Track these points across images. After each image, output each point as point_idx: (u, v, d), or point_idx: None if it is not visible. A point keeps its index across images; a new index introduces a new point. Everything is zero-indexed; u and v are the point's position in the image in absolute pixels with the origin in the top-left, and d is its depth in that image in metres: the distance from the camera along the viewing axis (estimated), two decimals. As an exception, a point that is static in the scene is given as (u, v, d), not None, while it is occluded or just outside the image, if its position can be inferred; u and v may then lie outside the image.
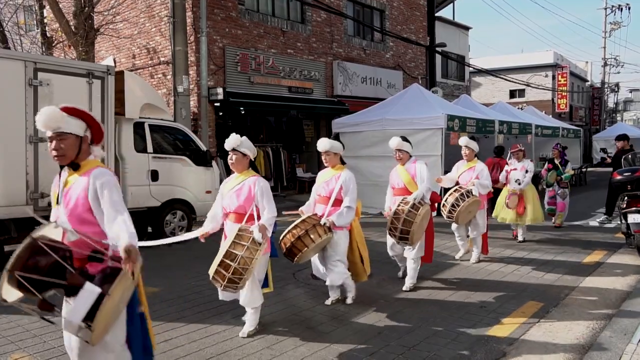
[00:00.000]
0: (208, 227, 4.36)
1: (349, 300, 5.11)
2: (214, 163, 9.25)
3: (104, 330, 2.55)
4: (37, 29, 13.53)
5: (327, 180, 5.02)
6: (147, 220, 8.27)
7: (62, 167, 2.85)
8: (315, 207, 5.07)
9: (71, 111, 2.78)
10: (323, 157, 5.09)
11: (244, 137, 4.29)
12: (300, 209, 5.12)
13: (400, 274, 6.06)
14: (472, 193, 6.38)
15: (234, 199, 4.21)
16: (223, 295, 4.31)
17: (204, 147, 9.23)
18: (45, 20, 13.61)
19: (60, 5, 11.81)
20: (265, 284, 4.42)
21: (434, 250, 5.92)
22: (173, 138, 8.94)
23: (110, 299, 2.41)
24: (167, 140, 8.81)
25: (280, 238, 4.76)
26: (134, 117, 8.10)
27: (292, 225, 4.72)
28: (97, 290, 2.41)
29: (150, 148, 8.30)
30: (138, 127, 8.21)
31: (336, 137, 5.37)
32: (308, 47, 16.06)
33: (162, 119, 8.73)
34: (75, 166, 2.81)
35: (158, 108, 8.75)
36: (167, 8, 12.84)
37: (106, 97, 7.59)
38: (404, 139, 5.65)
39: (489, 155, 10.30)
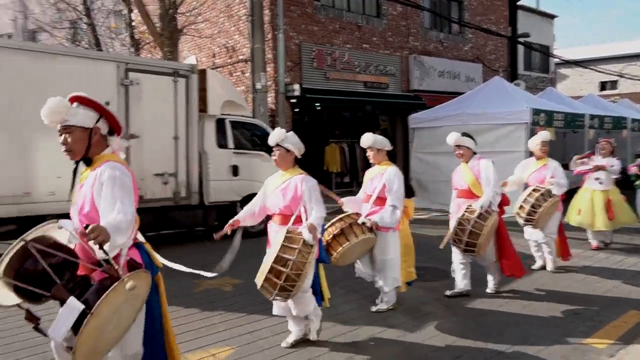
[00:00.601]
0: (241, 216, 3.98)
1: (382, 307, 4.73)
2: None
3: (94, 353, 2.21)
4: (126, 32, 14.31)
5: (372, 178, 4.76)
6: (228, 215, 8.48)
7: (76, 162, 2.59)
8: (362, 206, 4.77)
9: (80, 100, 2.54)
10: (367, 154, 4.83)
11: (291, 132, 4.00)
12: (342, 199, 4.77)
13: (461, 286, 5.18)
14: (552, 193, 5.71)
15: (279, 199, 3.85)
16: (278, 309, 4.01)
17: (281, 143, 9.34)
18: (133, 24, 14.36)
19: (147, 9, 12.42)
20: (319, 300, 3.96)
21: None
22: (252, 134, 9.12)
23: (94, 317, 2.06)
24: (247, 136, 9.00)
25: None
26: (215, 114, 8.34)
27: (329, 223, 4.46)
28: (79, 306, 2.12)
29: (231, 144, 8.52)
30: (219, 123, 8.45)
31: (384, 133, 5.02)
32: (384, 41, 15.83)
33: (241, 116, 8.93)
34: (87, 161, 2.57)
35: (238, 105, 8.97)
36: (245, 7, 13.13)
37: (190, 95, 7.89)
38: (464, 134, 5.17)
39: (576, 151, 9.63)
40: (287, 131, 4.07)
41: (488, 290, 5.29)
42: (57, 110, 2.45)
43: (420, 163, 12.12)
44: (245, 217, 4.00)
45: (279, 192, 3.86)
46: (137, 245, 2.66)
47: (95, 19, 15.17)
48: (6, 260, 2.29)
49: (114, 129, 2.65)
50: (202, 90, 8.19)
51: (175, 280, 5.80)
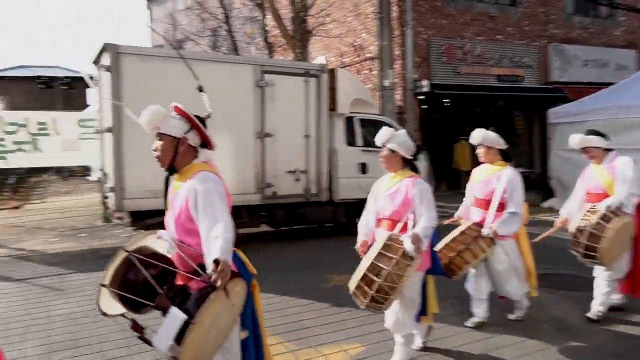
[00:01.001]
0: (362, 237, 3.70)
1: (516, 315, 4.44)
2: (421, 157, 9.14)
3: (198, 359, 2.24)
4: (261, 36, 15.13)
5: (486, 180, 4.24)
6: (357, 212, 8.56)
7: (168, 171, 2.60)
8: (471, 211, 4.35)
9: (177, 110, 2.57)
10: (477, 151, 4.37)
11: (401, 132, 3.71)
12: (457, 215, 4.44)
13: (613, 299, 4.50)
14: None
15: (388, 203, 3.58)
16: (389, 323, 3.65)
17: (410, 141, 9.20)
18: (267, 28, 15.12)
19: (280, 13, 13.00)
20: (422, 312, 3.66)
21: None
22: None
23: (198, 326, 2.12)
24: (375, 134, 8.93)
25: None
26: (345, 113, 8.45)
27: (450, 238, 4.10)
28: (182, 317, 2.16)
29: (360, 142, 8.57)
30: (349, 121, 8.54)
31: (497, 129, 4.42)
32: (519, 31, 14.81)
33: (370, 114, 8.93)
34: (172, 171, 2.57)
35: (366, 103, 8.99)
36: (373, 5, 13.11)
37: (321, 94, 8.08)
38: (591, 132, 4.44)
39: None
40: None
41: (589, 315, 4.44)
42: (154, 118, 2.51)
43: (561, 162, 11.13)
44: (369, 234, 3.70)
45: (387, 197, 3.60)
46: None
47: (233, 26, 16.27)
48: (112, 271, 2.38)
49: (206, 143, 2.62)
50: (332, 89, 8.35)
51: (309, 276, 6.02)
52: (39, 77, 24.68)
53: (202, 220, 2.36)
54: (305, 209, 8.18)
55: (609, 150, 4.38)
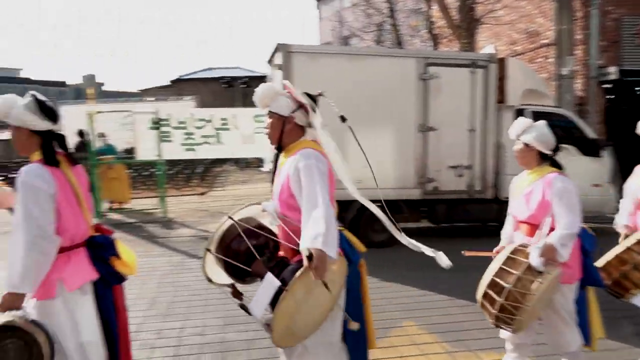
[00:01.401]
0: (503, 242, 3.35)
1: None
2: (604, 153, 8.13)
3: (291, 334, 2.23)
4: (425, 28, 14.85)
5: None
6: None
7: (277, 149, 2.61)
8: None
9: (286, 89, 2.56)
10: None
11: (539, 123, 3.13)
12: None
13: None
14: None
15: (523, 205, 3.11)
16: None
17: (591, 135, 8.23)
18: (432, 19, 14.78)
19: (445, 2, 12.60)
20: (584, 338, 3.04)
21: None
22: (555, 125, 8.26)
23: (289, 294, 2.11)
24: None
25: (601, 264, 3.33)
26: (514, 104, 7.88)
27: (622, 247, 3.32)
28: (276, 283, 2.17)
29: (530, 136, 7.93)
30: (519, 114, 7.93)
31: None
32: None
33: (544, 105, 8.20)
34: (279, 148, 2.59)
35: (540, 93, 8.26)
36: (551, -14, 11.98)
37: (488, 86, 7.66)
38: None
39: None
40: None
41: None
42: (264, 95, 2.53)
43: None
44: (508, 238, 3.32)
45: (522, 197, 3.12)
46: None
47: (398, 19, 16.23)
48: (217, 237, 2.49)
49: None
50: (501, 79, 7.84)
51: (474, 275, 5.77)
52: (222, 78, 27.56)
53: (303, 196, 2.33)
54: (468, 205, 7.84)
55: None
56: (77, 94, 61.96)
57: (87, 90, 14.00)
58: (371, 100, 7.26)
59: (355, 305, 2.54)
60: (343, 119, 2.72)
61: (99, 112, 10.70)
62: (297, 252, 2.27)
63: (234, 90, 26.67)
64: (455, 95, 7.58)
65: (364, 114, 7.21)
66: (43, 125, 2.41)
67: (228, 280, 2.53)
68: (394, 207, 7.87)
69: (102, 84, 57.23)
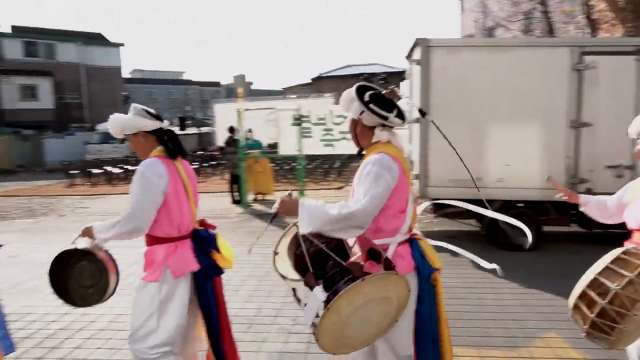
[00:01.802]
0: (590, 198, 3.07)
1: None
2: None
3: (340, 344, 2.18)
4: (582, 13, 13.50)
5: None
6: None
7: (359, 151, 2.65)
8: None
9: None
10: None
11: None
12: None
13: None
14: None
15: (637, 211, 2.71)
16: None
17: None
18: (590, 3, 13.38)
19: (608, -17, 11.31)
20: None
21: None
22: None
23: (332, 312, 2.04)
24: None
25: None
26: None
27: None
28: (322, 298, 2.13)
29: None
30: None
31: None
32: None
33: None
34: (361, 150, 2.61)
35: None
36: None
37: (658, 74, 6.74)
38: None
39: None
40: None
41: None
42: (342, 102, 2.58)
43: None
44: (593, 203, 3.03)
45: (638, 203, 2.72)
46: (410, 240, 2.47)
47: (549, 6, 14.97)
48: (287, 239, 2.54)
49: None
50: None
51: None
52: (360, 74, 27.96)
53: (354, 195, 2.36)
54: (627, 210, 7.00)
55: None
56: (229, 93, 67.39)
57: (238, 90, 15.16)
58: (515, 94, 6.83)
59: (426, 321, 2.45)
60: (422, 113, 2.71)
61: (246, 109, 11.55)
62: (370, 258, 2.25)
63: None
64: (616, 86, 6.79)
65: (507, 109, 6.84)
66: (153, 124, 2.84)
67: (298, 277, 2.52)
68: (540, 209, 7.36)
69: (250, 83, 61.49)
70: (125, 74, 45.16)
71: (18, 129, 29.57)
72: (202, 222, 3.00)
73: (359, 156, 2.63)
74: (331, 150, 11.20)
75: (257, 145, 12.16)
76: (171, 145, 2.88)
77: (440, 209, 7.23)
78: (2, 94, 31.90)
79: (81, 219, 10.55)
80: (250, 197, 11.67)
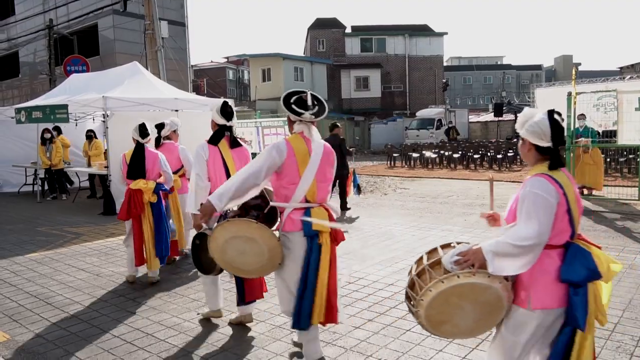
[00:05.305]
0: None
1: None
2: None
3: (226, 263, 3.34)
4: None
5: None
6: None
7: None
8: None
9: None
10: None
11: None
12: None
13: None
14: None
15: None
16: None
17: None
18: None
19: None
20: None
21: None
22: None
23: (211, 238, 3.25)
24: None
25: None
26: None
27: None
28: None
29: None
30: None
31: None
32: None
33: None
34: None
35: None
36: None
37: None
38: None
39: None
40: None
41: None
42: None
43: None
44: None
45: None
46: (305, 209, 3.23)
47: None
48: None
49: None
50: None
51: None
52: None
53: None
54: None
55: None
56: (549, 76, 61.86)
57: (568, 71, 13.75)
58: None
59: (310, 270, 3.17)
60: None
61: (578, 93, 10.33)
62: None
63: None
64: None
65: None
66: (220, 121, 4.06)
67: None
68: None
69: (579, 64, 55.26)
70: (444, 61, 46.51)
71: (352, 115, 34.15)
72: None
73: None
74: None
75: (589, 132, 10.72)
76: (226, 137, 4.13)
77: None
78: (342, 85, 37.30)
79: (401, 199, 11.44)
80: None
